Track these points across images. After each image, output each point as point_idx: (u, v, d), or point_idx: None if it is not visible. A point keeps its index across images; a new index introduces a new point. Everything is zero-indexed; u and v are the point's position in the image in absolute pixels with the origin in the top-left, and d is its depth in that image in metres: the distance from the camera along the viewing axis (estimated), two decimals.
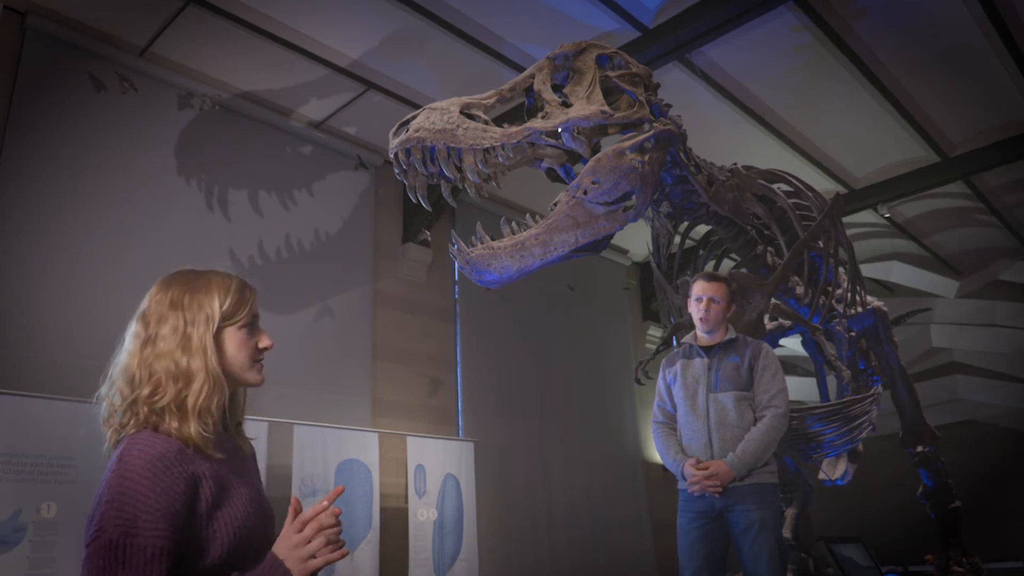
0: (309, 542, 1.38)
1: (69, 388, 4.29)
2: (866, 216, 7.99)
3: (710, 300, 3.31)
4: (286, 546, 1.38)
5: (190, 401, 1.39)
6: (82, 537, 1.29)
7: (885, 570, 5.78)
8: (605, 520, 7.71)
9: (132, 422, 1.39)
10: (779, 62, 5.71)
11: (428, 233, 6.87)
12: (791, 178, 4.59)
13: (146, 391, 1.39)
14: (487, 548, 6.30)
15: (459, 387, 7.01)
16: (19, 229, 4.63)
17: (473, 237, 2.72)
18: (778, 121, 6.46)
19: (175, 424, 1.38)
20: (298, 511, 1.42)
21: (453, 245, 2.72)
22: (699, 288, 3.35)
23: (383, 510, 5.64)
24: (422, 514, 5.81)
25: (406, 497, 5.83)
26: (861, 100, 6.15)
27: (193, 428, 1.38)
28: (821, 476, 4.52)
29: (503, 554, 6.63)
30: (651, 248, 4.49)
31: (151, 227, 5.18)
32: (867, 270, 7.82)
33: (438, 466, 6.05)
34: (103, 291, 4.81)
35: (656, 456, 8.65)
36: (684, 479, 3.23)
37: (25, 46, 4.85)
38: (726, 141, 6.33)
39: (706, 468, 3.09)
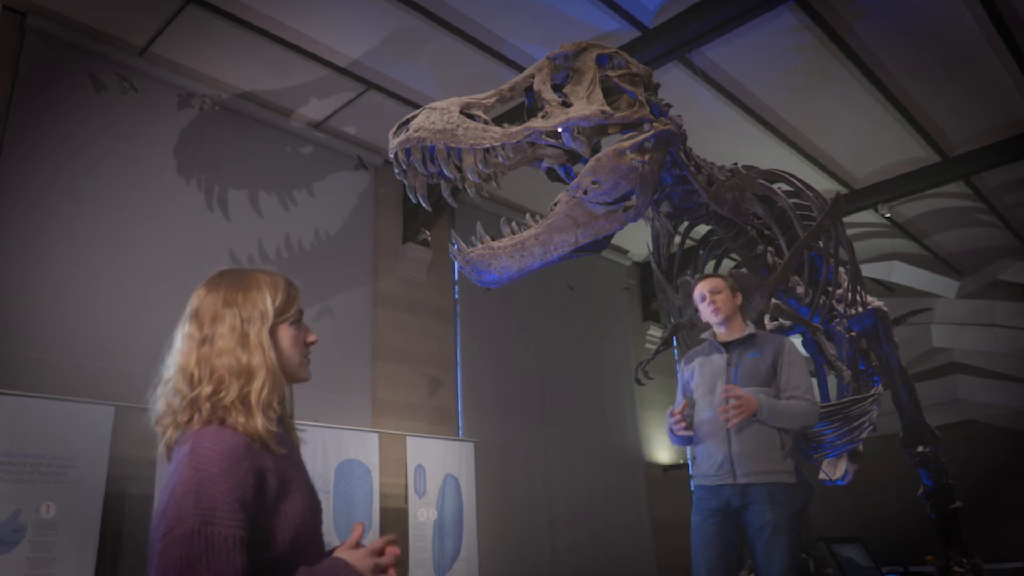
0: (384, 568, 1.42)
1: (69, 388, 4.30)
2: (866, 216, 7.99)
3: (711, 293, 3.31)
4: (358, 555, 1.40)
5: (253, 397, 1.41)
6: (145, 533, 1.30)
7: (885, 570, 5.78)
8: (605, 520, 7.71)
9: (196, 418, 1.39)
10: (779, 62, 5.71)
11: (428, 233, 6.87)
12: (791, 178, 4.58)
13: (208, 389, 1.40)
14: (487, 548, 6.30)
15: (459, 387, 7.01)
16: (19, 229, 4.63)
17: (473, 237, 2.71)
18: (778, 121, 6.46)
19: (241, 420, 1.38)
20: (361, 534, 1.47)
21: (453, 245, 2.71)
22: (697, 290, 3.37)
23: (383, 510, 5.64)
24: (422, 514, 5.80)
25: (406, 497, 5.83)
26: (861, 100, 6.15)
27: (260, 423, 1.39)
28: (821, 476, 4.51)
29: (503, 554, 6.62)
30: (651, 248, 4.49)
31: (151, 227, 5.18)
32: (867, 270, 7.81)
33: (438, 466, 6.05)
34: (103, 291, 4.81)
35: (656, 456, 8.68)
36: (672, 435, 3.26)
37: (25, 46, 4.85)
38: (726, 141, 6.33)
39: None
